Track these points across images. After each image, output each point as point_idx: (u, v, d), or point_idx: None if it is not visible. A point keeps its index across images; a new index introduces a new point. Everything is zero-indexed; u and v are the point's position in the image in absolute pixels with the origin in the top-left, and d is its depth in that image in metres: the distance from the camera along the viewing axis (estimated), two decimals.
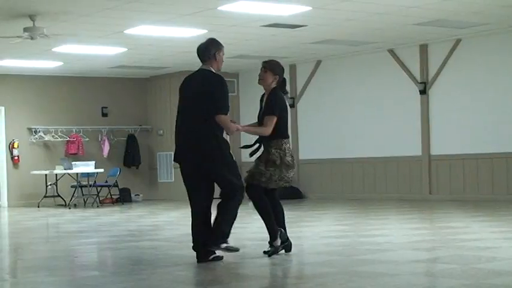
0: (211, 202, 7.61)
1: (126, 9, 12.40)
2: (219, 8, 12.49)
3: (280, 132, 7.70)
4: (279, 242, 7.65)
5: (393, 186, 17.26)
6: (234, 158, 7.59)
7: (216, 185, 7.57)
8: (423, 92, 16.61)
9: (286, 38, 15.30)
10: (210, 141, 7.31)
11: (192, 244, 7.54)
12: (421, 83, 16.64)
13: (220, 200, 7.52)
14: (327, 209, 14.32)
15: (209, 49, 7.55)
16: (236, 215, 7.56)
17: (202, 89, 7.38)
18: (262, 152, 7.76)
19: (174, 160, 7.72)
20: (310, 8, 12.75)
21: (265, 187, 7.64)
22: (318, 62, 18.49)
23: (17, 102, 19.36)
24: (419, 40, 16.25)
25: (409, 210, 13.83)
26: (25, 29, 12.83)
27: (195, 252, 7.49)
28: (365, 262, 7.21)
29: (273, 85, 7.76)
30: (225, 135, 7.48)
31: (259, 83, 7.85)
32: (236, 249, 7.47)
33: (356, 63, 17.86)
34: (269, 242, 7.66)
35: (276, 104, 7.67)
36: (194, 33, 14.46)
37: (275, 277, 6.65)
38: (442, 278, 6.33)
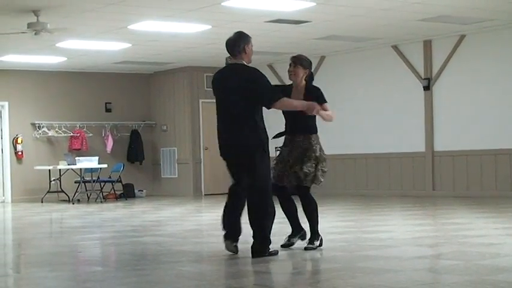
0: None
1: (130, 4, 12.40)
2: (223, 4, 12.47)
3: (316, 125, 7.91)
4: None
5: (397, 182, 17.25)
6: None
7: None
8: (427, 88, 16.59)
9: (290, 34, 15.28)
10: (254, 135, 7.35)
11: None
12: (424, 79, 16.62)
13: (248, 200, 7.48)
14: (330, 205, 14.32)
15: (239, 43, 7.56)
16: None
17: (242, 85, 7.38)
18: (296, 148, 7.78)
19: (220, 155, 7.74)
20: (314, 4, 12.73)
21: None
22: (322, 58, 18.47)
23: (20, 98, 19.37)
24: (423, 36, 16.23)
25: (412, 206, 13.82)
26: (29, 24, 12.83)
27: (206, 244, 7.48)
28: (368, 258, 7.21)
29: (304, 79, 7.89)
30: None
31: (290, 78, 7.94)
32: (275, 253, 7.47)
33: (360, 59, 17.85)
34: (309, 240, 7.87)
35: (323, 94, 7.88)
36: (198, 29, 14.46)
37: (278, 273, 6.65)
38: (445, 274, 6.33)
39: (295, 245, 7.93)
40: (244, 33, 7.63)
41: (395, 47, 17.11)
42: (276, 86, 8.15)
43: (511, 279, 5.92)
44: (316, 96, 7.81)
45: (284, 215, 7.94)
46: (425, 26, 15.02)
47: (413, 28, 15.21)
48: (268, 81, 7.50)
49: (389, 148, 17.33)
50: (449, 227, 9.90)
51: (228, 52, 7.62)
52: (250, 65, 7.56)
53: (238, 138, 7.41)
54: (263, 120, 7.47)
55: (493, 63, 15.56)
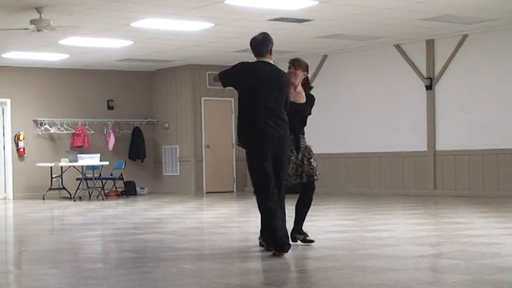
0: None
1: (133, 2, 12.40)
2: (225, 2, 12.48)
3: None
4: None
5: (398, 181, 17.25)
6: None
7: None
8: (429, 87, 16.59)
9: (292, 32, 15.28)
10: (287, 134, 7.57)
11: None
12: (427, 78, 16.62)
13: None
14: (331, 203, 14.32)
15: (267, 44, 7.68)
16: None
17: (279, 85, 7.57)
18: (295, 147, 8.04)
19: (256, 146, 7.55)
20: (317, 3, 12.73)
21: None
22: (325, 57, 18.47)
23: (22, 95, 19.38)
24: (425, 35, 16.22)
25: (413, 205, 13.82)
26: (32, 21, 12.84)
27: (207, 242, 7.48)
28: (369, 257, 7.22)
29: (301, 81, 8.17)
30: None
31: (290, 78, 8.07)
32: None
33: (362, 58, 17.84)
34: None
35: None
36: (200, 27, 14.45)
37: (279, 271, 6.65)
38: (446, 273, 6.33)
39: (298, 243, 7.95)
40: (269, 34, 7.79)
41: (397, 46, 17.10)
42: None
43: (511, 279, 5.92)
44: (311, 105, 8.21)
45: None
46: (428, 26, 15.01)
47: (416, 27, 15.21)
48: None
49: (391, 147, 17.32)
50: (450, 226, 9.90)
51: (255, 51, 7.69)
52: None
53: (285, 131, 7.55)
54: None
55: (495, 63, 15.55)
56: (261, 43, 7.65)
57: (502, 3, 13.17)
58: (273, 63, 7.67)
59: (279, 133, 7.48)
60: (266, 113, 7.47)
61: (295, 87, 8.09)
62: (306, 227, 8.20)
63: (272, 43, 7.70)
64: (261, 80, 7.55)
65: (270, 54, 7.66)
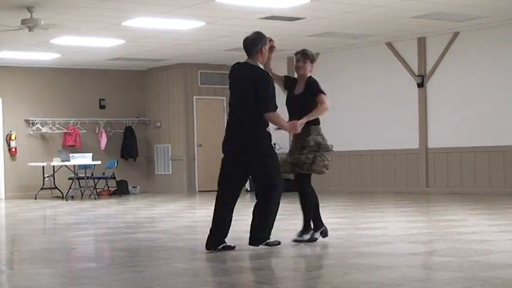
0: (239, 193, 7.70)
1: (124, 1, 12.39)
2: (217, 0, 12.47)
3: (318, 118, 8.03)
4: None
5: (390, 179, 17.28)
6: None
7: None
8: (421, 85, 16.61)
9: (284, 31, 15.28)
10: (252, 133, 7.48)
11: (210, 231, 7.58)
12: (418, 76, 16.64)
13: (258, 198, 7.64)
14: (324, 201, 14.29)
15: (256, 43, 7.64)
16: (277, 210, 7.66)
17: (250, 85, 7.51)
18: (298, 140, 7.96)
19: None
20: (308, 1, 12.74)
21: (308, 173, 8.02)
22: (316, 55, 18.39)
23: (14, 94, 19.34)
24: (417, 33, 16.24)
25: (406, 203, 13.85)
26: (23, 21, 12.81)
27: (200, 241, 7.51)
28: (362, 255, 7.22)
29: (310, 73, 8.04)
30: (271, 128, 7.61)
31: (298, 72, 8.05)
32: (278, 243, 7.65)
33: (354, 56, 17.86)
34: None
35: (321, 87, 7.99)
36: (192, 26, 14.44)
37: (272, 269, 6.66)
38: (439, 270, 6.34)
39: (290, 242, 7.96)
40: (262, 34, 7.74)
41: (389, 44, 17.12)
42: (285, 76, 8.34)
43: (504, 276, 5.94)
44: (314, 90, 7.94)
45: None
46: (419, 23, 15.04)
47: (407, 25, 15.23)
48: (273, 89, 7.56)
49: (383, 145, 17.35)
50: (442, 223, 9.92)
51: (245, 51, 7.70)
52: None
53: (249, 131, 7.54)
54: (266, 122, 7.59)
55: (486, 60, 15.58)
56: (251, 43, 7.65)
57: (492, 0, 13.20)
58: (258, 64, 7.61)
59: (239, 134, 7.53)
60: (231, 114, 7.62)
61: (304, 79, 8.01)
62: (299, 224, 8.20)
63: (264, 42, 7.65)
64: (231, 82, 7.69)
65: (261, 53, 7.62)
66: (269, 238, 7.62)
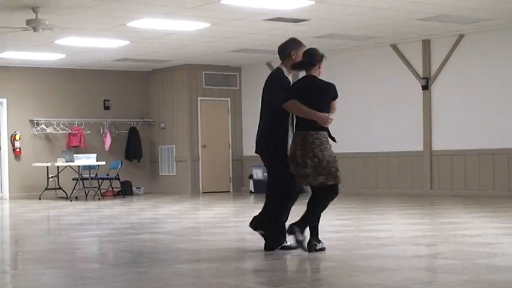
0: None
1: (129, 2, 12.40)
2: (222, 2, 12.47)
3: None
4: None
5: (394, 181, 17.26)
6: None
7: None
8: (425, 87, 16.60)
9: (288, 32, 15.18)
10: (267, 137, 7.54)
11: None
12: (423, 78, 16.63)
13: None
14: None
15: (284, 48, 7.76)
16: (277, 210, 7.75)
17: (265, 87, 7.66)
18: (307, 145, 7.37)
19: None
20: (313, 2, 12.74)
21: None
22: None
23: (19, 94, 19.36)
24: (422, 35, 16.23)
25: (410, 205, 13.83)
26: (28, 21, 12.82)
27: (204, 242, 7.49)
28: (365, 257, 7.22)
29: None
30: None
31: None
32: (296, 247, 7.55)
33: (358, 58, 17.85)
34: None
35: None
36: (197, 27, 14.45)
37: (275, 271, 6.65)
38: (442, 273, 6.34)
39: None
40: (295, 40, 7.87)
41: (394, 46, 17.11)
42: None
43: (507, 279, 5.93)
44: (333, 89, 7.71)
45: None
46: (424, 26, 15.02)
47: (412, 27, 15.22)
48: (280, 82, 7.54)
49: (387, 147, 17.33)
50: (446, 226, 9.91)
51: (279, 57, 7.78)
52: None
53: (263, 132, 7.66)
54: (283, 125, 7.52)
55: (491, 62, 15.57)
56: (280, 49, 7.82)
57: (497, 3, 13.18)
58: (282, 68, 7.67)
59: (258, 136, 7.70)
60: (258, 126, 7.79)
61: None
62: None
63: (293, 47, 7.74)
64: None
65: (291, 59, 7.65)
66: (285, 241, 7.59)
